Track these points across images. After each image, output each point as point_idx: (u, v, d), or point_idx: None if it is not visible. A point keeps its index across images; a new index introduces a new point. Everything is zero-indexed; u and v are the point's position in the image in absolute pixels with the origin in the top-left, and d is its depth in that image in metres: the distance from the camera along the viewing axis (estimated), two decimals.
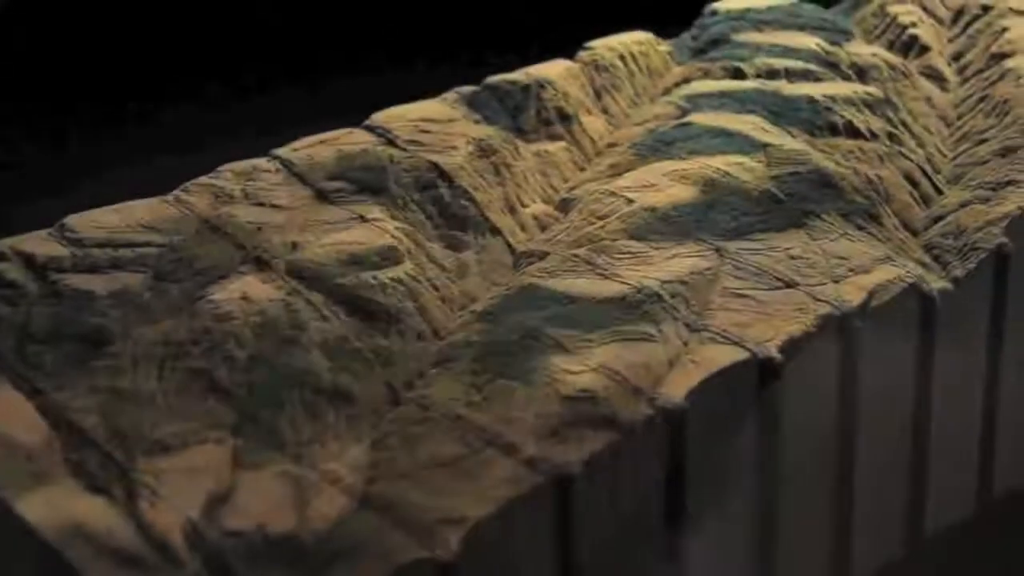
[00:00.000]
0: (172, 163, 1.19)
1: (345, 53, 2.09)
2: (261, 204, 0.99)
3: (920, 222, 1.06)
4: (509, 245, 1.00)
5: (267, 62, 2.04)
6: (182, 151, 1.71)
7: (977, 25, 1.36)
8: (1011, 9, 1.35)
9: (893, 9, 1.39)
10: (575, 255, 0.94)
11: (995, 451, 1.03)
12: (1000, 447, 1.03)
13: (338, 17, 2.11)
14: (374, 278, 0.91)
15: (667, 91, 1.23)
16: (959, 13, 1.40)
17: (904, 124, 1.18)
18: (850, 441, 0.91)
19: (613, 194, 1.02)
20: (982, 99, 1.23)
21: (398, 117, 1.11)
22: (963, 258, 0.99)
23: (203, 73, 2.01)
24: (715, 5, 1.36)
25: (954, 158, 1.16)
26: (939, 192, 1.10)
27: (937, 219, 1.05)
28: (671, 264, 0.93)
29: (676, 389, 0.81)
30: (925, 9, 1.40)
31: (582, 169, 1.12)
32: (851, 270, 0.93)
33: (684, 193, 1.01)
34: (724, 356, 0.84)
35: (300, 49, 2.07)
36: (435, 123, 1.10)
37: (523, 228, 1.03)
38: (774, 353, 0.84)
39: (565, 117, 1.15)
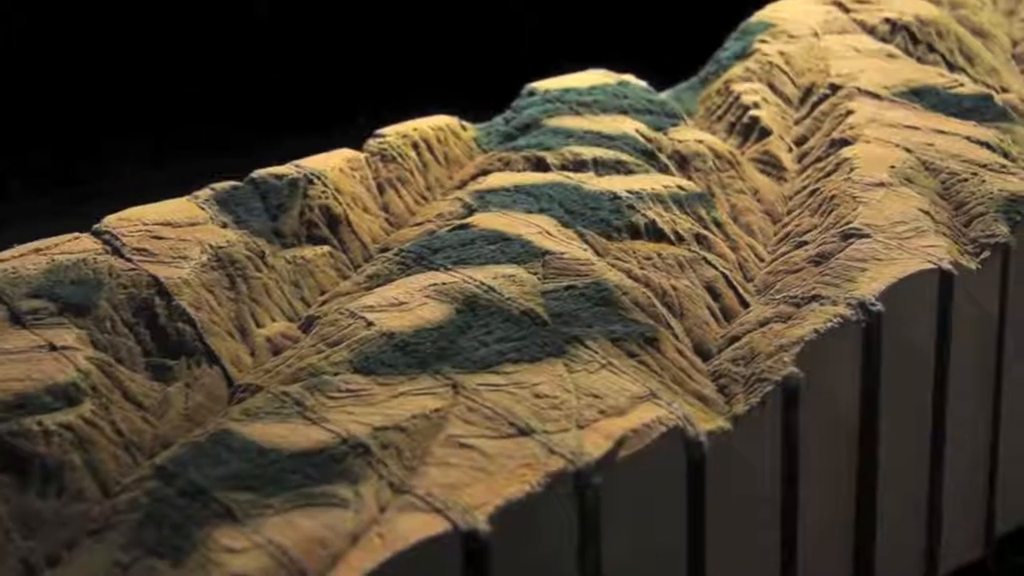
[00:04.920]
0: None
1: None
2: None
3: (715, 343, 0.93)
4: (228, 376, 0.87)
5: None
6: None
7: (823, 106, 1.24)
8: (859, 89, 1.23)
9: (737, 88, 1.27)
10: (285, 393, 0.81)
11: None
12: None
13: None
14: (38, 424, 0.78)
15: (463, 184, 1.11)
16: (808, 92, 1.27)
17: (718, 223, 1.05)
18: None
19: (353, 314, 0.89)
20: (813, 193, 1.10)
21: (133, 220, 0.98)
22: (749, 391, 0.86)
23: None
24: (534, 84, 1.24)
25: (771, 263, 1.03)
26: (745, 305, 0.97)
27: (733, 340, 0.92)
28: (393, 405, 0.80)
29: (350, 574, 0.68)
30: (772, 87, 1.28)
31: (346, 278, 1.00)
32: (602, 412, 0.80)
33: (435, 314, 0.88)
34: (419, 528, 0.71)
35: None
36: (172, 227, 0.97)
37: (253, 354, 0.90)
38: (481, 524, 0.71)
39: (333, 217, 1.03)
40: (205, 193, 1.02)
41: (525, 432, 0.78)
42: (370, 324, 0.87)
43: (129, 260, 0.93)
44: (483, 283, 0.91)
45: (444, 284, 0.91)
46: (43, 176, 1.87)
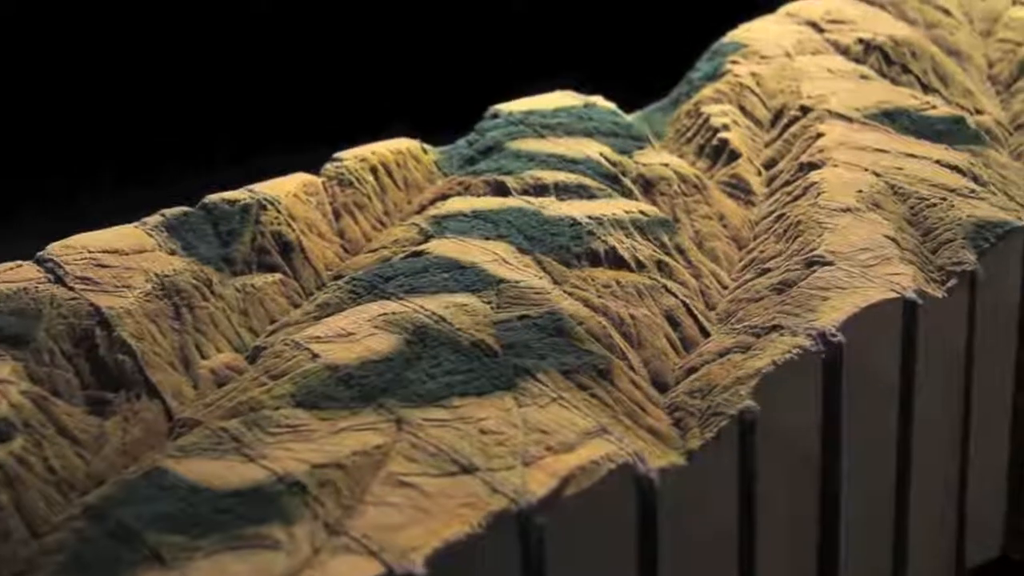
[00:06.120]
0: None
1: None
2: None
3: (673, 374, 0.90)
4: (168, 410, 0.85)
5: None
6: None
7: (794, 128, 1.21)
8: (830, 111, 1.20)
9: (707, 109, 1.25)
10: (223, 428, 0.79)
11: None
12: None
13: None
14: None
15: (422, 209, 1.08)
16: (778, 114, 1.25)
17: (680, 250, 1.03)
18: None
19: (298, 346, 0.86)
20: (779, 218, 1.08)
21: (78, 247, 0.96)
22: (704, 425, 0.84)
23: None
24: (498, 107, 1.21)
25: (734, 290, 1.01)
26: (705, 334, 0.95)
27: (692, 371, 0.90)
28: (333, 441, 0.77)
29: None
30: (743, 109, 1.25)
31: (297, 307, 0.97)
32: (549, 448, 0.78)
33: (383, 345, 0.86)
34: (352, 572, 0.68)
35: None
36: (118, 255, 0.95)
37: (196, 386, 0.87)
38: (417, 567, 0.69)
39: (285, 244, 1.00)
40: (154, 219, 1.00)
41: (468, 470, 0.75)
42: (315, 356, 0.85)
43: (71, 289, 0.91)
44: (434, 313, 0.89)
45: (394, 314, 0.89)
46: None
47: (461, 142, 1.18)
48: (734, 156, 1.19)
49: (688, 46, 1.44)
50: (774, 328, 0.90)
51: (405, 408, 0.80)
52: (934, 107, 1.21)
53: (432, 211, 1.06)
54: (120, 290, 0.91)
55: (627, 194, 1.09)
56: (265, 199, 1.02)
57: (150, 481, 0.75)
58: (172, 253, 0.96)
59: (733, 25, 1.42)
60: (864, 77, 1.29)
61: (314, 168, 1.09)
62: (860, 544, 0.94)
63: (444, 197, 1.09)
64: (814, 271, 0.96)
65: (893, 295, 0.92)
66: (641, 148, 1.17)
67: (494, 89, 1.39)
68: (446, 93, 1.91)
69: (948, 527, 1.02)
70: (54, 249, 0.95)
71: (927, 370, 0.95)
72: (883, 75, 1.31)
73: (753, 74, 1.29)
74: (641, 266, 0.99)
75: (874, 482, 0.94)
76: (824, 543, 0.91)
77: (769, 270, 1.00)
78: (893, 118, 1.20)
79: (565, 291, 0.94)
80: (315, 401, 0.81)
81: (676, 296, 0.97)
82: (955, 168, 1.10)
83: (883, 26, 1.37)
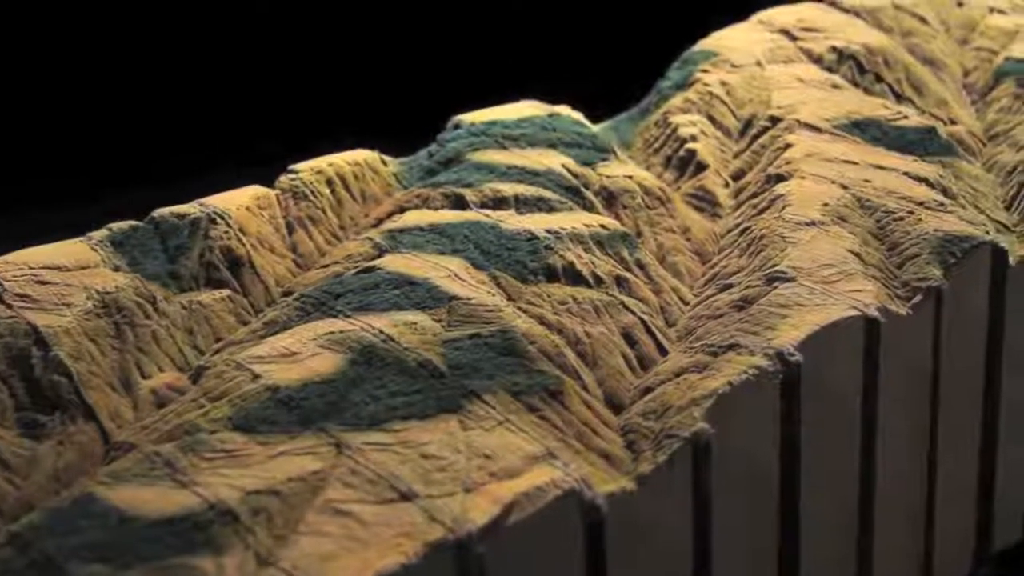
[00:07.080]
0: None
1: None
2: None
3: (628, 394, 0.88)
4: (104, 433, 0.82)
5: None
6: None
7: (763, 139, 1.19)
8: (799, 121, 1.18)
9: (675, 119, 1.22)
10: (157, 453, 0.76)
11: None
12: None
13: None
14: None
15: (379, 223, 1.06)
16: (747, 124, 1.22)
17: (641, 265, 1.00)
18: None
19: (240, 366, 0.84)
20: (744, 231, 1.05)
21: (19, 263, 0.93)
22: (657, 447, 0.81)
23: None
24: (460, 117, 1.19)
25: (695, 306, 0.98)
26: (663, 353, 0.92)
27: (647, 391, 0.87)
28: (270, 467, 0.75)
29: None
30: (712, 119, 1.23)
31: (246, 324, 0.95)
32: (492, 474, 0.75)
33: (326, 365, 0.83)
34: None
35: None
36: (60, 271, 0.92)
37: (136, 407, 0.85)
38: None
39: (235, 259, 0.98)
40: (100, 234, 0.97)
41: (407, 497, 0.73)
42: (256, 377, 0.82)
43: (9, 307, 0.88)
44: (381, 332, 0.86)
45: (341, 333, 0.86)
46: None
47: (422, 153, 1.16)
48: (701, 167, 1.16)
49: (662, 54, 1.42)
50: (731, 347, 0.88)
51: (346, 432, 0.78)
52: (905, 117, 1.19)
53: (388, 225, 1.03)
54: (59, 308, 0.88)
55: (589, 207, 1.07)
56: (215, 213, 1.00)
57: (78, 508, 0.72)
58: (117, 269, 0.94)
59: (707, 33, 1.40)
60: (836, 86, 1.27)
61: (268, 180, 1.07)
62: (822, 569, 0.91)
63: (401, 210, 1.06)
64: (775, 287, 0.93)
65: (854, 312, 0.90)
66: (605, 159, 1.14)
67: (460, 98, 1.36)
68: (412, 102, 1.88)
69: (915, 550, 0.99)
70: None
71: (890, 389, 0.92)
72: (856, 84, 1.29)
73: (723, 83, 1.27)
74: (599, 282, 0.97)
75: (836, 506, 0.91)
76: (784, 569, 0.89)
77: (731, 286, 0.97)
78: (863, 128, 1.17)
79: (519, 308, 0.92)
80: (253, 424, 0.78)
81: (634, 313, 0.94)
82: (924, 180, 1.08)
83: (857, 34, 1.35)
